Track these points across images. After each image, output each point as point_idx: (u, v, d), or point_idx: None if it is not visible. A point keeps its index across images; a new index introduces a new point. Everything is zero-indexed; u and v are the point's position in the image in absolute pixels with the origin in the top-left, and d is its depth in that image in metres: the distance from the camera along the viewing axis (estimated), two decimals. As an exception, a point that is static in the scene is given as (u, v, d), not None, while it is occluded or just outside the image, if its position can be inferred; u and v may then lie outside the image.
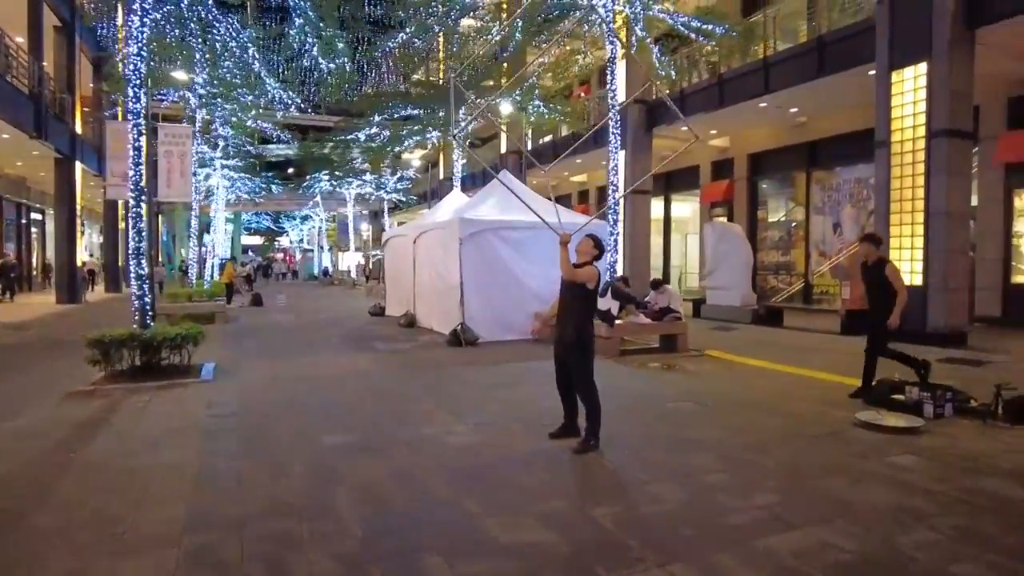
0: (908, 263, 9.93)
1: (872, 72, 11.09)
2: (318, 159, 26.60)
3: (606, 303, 9.22)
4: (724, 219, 18.77)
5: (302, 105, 14.99)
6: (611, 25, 10.24)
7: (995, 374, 7.20)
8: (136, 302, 7.36)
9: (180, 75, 11.24)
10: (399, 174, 23.81)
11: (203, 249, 21.09)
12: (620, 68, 16.22)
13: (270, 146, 23.15)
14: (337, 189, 26.26)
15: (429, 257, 12.33)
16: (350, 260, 45.31)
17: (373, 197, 25.77)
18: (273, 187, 26.62)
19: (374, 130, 16.40)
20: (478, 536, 3.22)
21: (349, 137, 17.50)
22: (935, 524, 3.35)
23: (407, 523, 3.39)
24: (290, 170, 34.23)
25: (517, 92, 14.17)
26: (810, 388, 6.90)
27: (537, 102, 14.40)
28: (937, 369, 7.46)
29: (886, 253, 10.43)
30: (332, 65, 11.11)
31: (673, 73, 12.73)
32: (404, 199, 25.24)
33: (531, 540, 3.17)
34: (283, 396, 6.63)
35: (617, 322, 9.21)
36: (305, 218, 42.99)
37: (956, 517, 3.45)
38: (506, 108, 15.44)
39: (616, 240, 11.06)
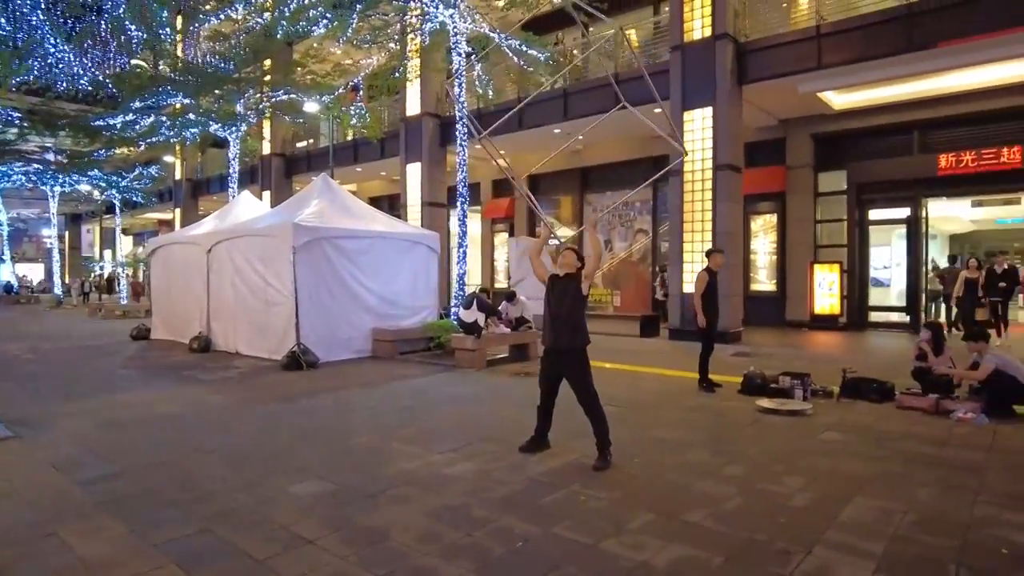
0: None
1: (657, 110, 12.96)
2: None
3: (472, 315, 9.10)
4: (507, 233, 19.96)
5: (100, 77, 11.53)
6: (457, 36, 10.18)
7: (776, 361, 9.03)
8: None
9: None
10: (137, 170, 19.83)
11: None
12: (416, 85, 16.25)
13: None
14: (38, 185, 20.57)
15: (236, 269, 10.66)
16: (30, 271, 36.63)
17: (103, 197, 20.94)
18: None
19: (130, 117, 13.42)
20: (627, 564, 2.99)
21: (98, 124, 13.96)
22: (922, 481, 4.13)
23: (536, 567, 2.97)
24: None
25: (331, 94, 13.11)
26: (679, 384, 7.73)
27: (360, 104, 13.52)
28: (734, 362, 9.04)
29: (681, 267, 12.32)
30: (143, 34, 8.78)
31: (490, 92, 13.11)
32: (143, 199, 21.12)
33: (677, 556, 3.06)
34: (152, 444, 5.15)
35: (484, 333, 9.14)
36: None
37: (926, 473, 4.29)
38: (311, 107, 14.13)
39: (465, 252, 10.94)
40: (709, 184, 11.64)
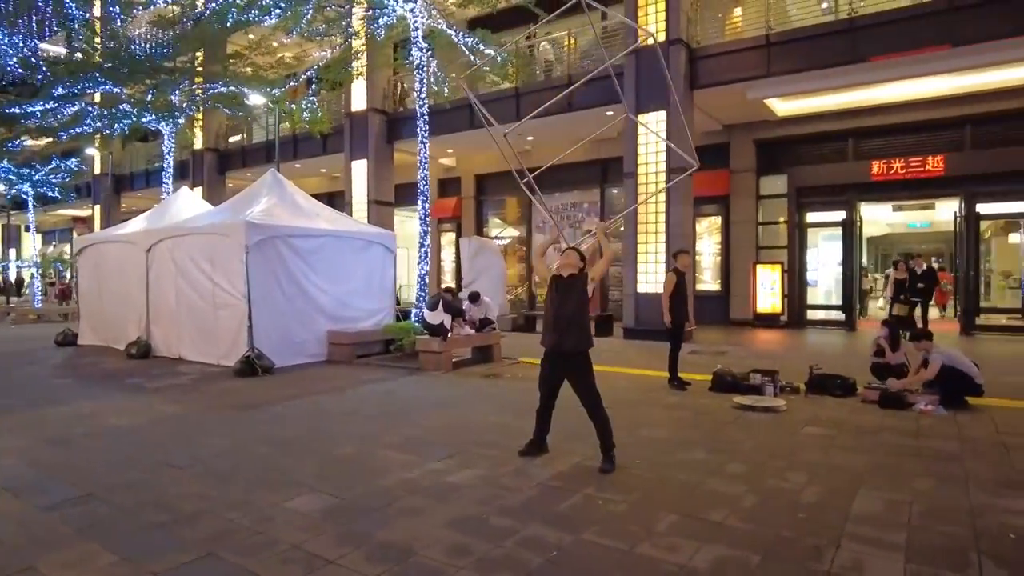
0: (653, 274, 12.04)
1: (609, 112, 13.14)
2: None
3: (438, 316, 8.90)
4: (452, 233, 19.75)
5: (32, 59, 10.28)
6: (417, 31, 9.93)
7: (730, 359, 9.34)
8: None
9: None
10: (54, 163, 18.20)
11: None
12: (362, 80, 15.78)
13: None
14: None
15: (180, 270, 10.01)
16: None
17: (12, 191, 19.05)
18: None
19: (51, 105, 12.22)
20: (670, 568, 2.94)
21: (13, 111, 12.59)
22: (914, 471, 4.31)
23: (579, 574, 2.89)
24: None
25: (280, 87, 12.50)
26: (648, 382, 7.82)
27: (312, 98, 12.94)
28: (691, 360, 9.25)
29: (635, 267, 12.52)
30: (84, 13, 7.94)
31: (446, 89, 12.88)
32: (59, 194, 19.44)
33: (715, 556, 3.04)
34: (113, 461, 4.70)
35: (450, 335, 8.96)
36: None
37: (914, 464, 4.49)
38: (257, 99, 13.42)
39: (427, 252, 10.70)
40: (662, 186, 11.87)
